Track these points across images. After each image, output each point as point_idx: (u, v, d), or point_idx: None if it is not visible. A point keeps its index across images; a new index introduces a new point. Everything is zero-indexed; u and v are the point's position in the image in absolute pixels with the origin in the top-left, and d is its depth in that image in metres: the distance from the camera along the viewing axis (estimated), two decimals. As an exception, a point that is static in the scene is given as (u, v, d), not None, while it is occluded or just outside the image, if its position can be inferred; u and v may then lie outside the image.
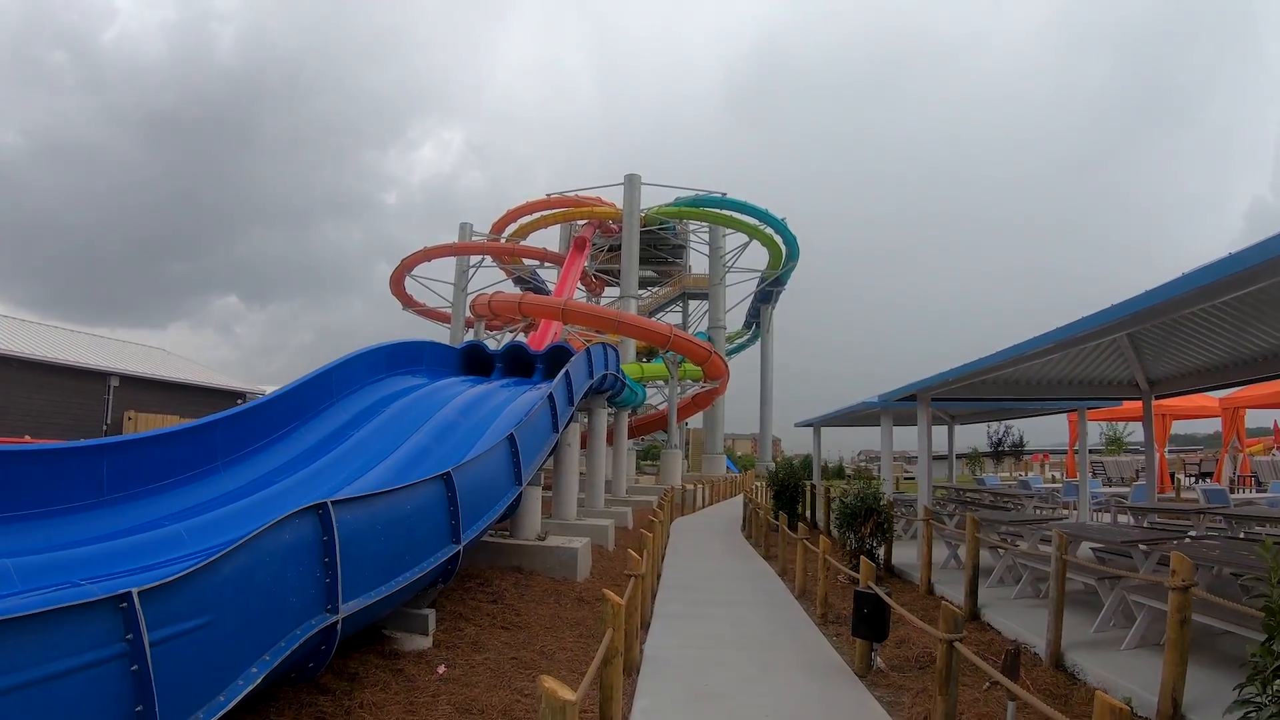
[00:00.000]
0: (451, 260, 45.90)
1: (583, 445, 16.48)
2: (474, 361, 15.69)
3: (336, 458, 10.06)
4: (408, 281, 46.08)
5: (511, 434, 7.98)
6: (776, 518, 12.79)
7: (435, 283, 46.81)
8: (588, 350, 12.74)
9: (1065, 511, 15.88)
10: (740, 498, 26.66)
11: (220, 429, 9.19)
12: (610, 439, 22.12)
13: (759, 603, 8.60)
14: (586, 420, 16.68)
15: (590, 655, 5.69)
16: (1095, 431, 28.84)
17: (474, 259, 46.14)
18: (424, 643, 6.33)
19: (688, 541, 15.10)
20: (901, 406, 11.71)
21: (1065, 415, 23.86)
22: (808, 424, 18.89)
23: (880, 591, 5.43)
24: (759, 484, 24.77)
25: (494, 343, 31.42)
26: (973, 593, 7.15)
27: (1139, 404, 18.15)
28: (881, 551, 9.49)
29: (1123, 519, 14.03)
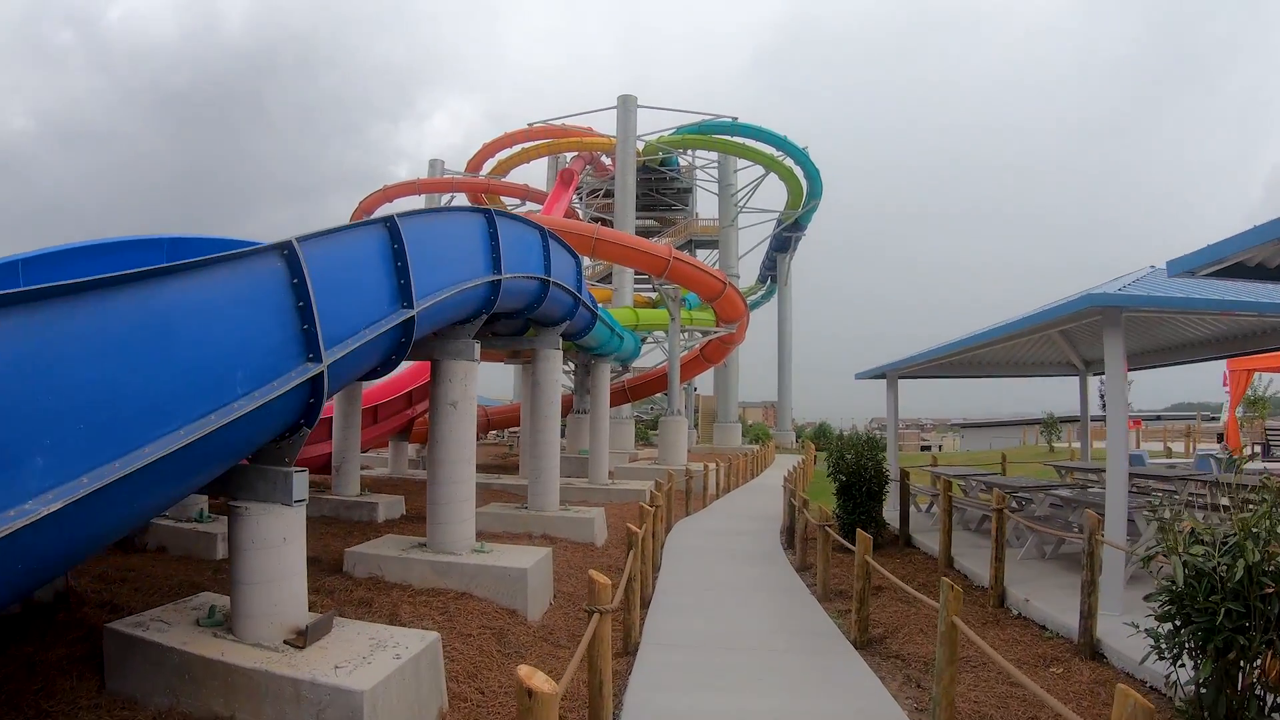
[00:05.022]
0: (421, 203, 39.48)
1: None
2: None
3: None
4: (369, 227, 39.71)
5: None
6: (865, 527, 6.41)
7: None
8: (486, 213, 6.19)
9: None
10: (767, 478, 20.25)
11: None
12: (586, 402, 15.74)
13: None
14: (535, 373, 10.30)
15: None
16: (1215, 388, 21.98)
17: (444, 199, 39.61)
18: None
19: (691, 589, 7.38)
20: (1150, 307, 5.25)
21: (1223, 363, 17.32)
22: (877, 374, 12.42)
23: None
24: (800, 462, 18.37)
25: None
26: None
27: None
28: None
29: None
